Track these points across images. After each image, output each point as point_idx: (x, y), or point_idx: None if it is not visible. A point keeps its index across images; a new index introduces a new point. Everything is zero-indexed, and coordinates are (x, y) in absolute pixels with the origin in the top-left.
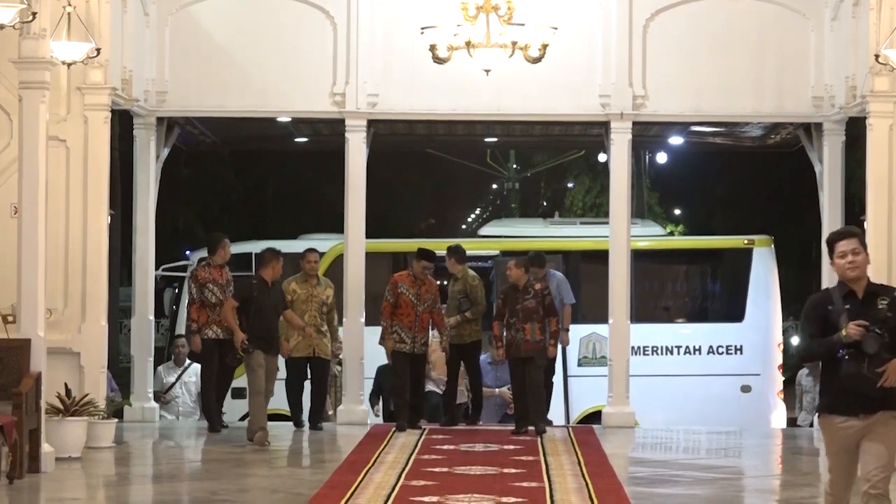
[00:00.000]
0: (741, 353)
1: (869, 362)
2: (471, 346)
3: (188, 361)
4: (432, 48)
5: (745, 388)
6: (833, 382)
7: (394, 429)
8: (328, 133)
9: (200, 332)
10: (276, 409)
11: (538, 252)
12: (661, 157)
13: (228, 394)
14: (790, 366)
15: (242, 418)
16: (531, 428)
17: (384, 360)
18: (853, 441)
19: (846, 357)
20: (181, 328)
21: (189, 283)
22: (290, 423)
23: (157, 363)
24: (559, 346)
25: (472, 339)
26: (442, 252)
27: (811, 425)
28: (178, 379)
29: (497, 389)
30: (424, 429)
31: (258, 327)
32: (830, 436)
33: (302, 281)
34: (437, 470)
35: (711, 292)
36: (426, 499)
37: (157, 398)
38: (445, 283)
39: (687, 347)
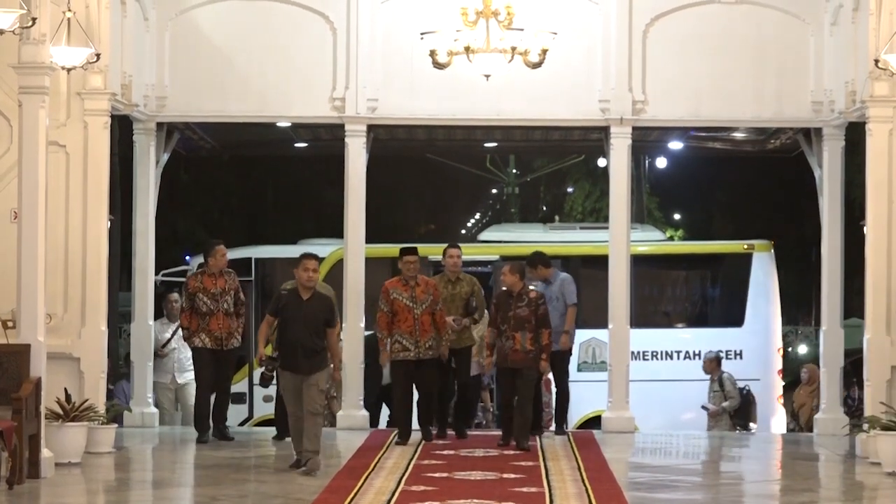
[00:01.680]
0: (741, 357)
1: None
2: (465, 351)
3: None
4: (432, 53)
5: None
6: None
7: (394, 435)
8: (328, 138)
9: (191, 339)
10: (268, 414)
11: (540, 252)
12: (661, 162)
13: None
14: (790, 370)
15: (242, 423)
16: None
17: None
18: None
19: None
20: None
21: (181, 290)
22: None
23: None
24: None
25: (468, 344)
26: (438, 257)
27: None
28: (173, 334)
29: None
30: (430, 438)
31: (281, 343)
32: None
33: None
34: (436, 475)
35: (711, 297)
36: None
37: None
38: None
39: (687, 352)
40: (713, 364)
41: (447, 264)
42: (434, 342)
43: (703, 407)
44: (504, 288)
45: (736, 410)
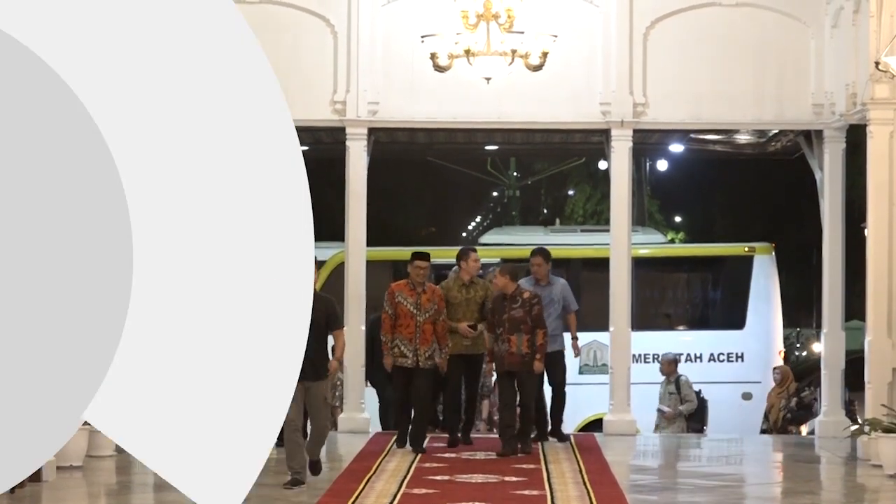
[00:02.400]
0: (742, 360)
1: None
2: (479, 358)
3: None
4: (433, 56)
5: (746, 396)
6: None
7: (394, 439)
8: (329, 141)
9: None
10: None
11: (541, 247)
12: (662, 165)
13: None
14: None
15: None
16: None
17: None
18: None
19: None
20: None
21: None
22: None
23: None
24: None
25: (482, 351)
26: (445, 260)
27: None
28: None
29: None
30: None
31: None
32: None
33: None
34: (438, 478)
35: (712, 300)
36: None
37: None
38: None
39: (688, 355)
40: (671, 366)
41: (469, 268)
42: (434, 353)
43: (659, 409)
44: (498, 291)
45: (691, 413)
